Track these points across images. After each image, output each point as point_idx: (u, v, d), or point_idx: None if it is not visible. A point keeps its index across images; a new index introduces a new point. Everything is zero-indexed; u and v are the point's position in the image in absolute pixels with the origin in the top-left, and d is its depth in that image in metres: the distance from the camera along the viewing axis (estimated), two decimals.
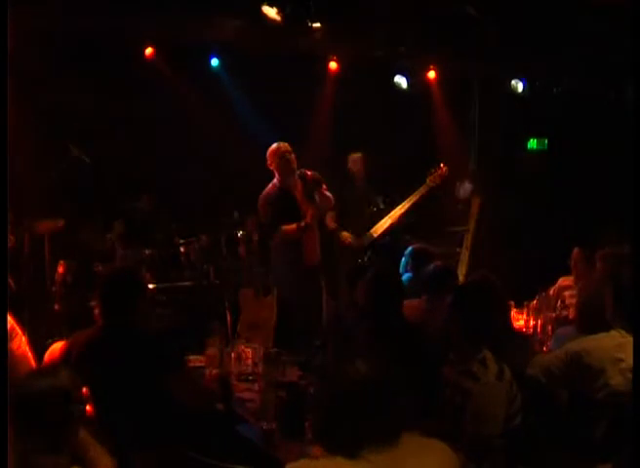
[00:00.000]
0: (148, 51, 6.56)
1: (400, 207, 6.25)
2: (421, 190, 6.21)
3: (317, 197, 5.37)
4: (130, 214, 6.74)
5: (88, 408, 2.59)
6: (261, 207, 5.49)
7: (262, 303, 5.79)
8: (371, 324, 3.63)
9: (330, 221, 6.27)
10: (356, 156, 6.56)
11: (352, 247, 6.25)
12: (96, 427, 2.59)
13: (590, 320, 3.44)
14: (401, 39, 6.78)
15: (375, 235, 6.27)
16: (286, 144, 5.43)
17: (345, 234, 6.28)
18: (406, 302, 4.47)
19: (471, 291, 3.49)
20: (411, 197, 6.22)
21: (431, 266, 4.34)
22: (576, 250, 5.15)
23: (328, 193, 5.49)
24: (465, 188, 7.47)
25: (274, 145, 5.44)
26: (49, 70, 6.24)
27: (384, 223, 6.27)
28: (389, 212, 6.29)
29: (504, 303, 3.84)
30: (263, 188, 5.60)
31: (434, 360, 3.26)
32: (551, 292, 5.22)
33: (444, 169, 6.26)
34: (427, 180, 6.21)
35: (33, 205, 5.71)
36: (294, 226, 5.34)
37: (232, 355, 3.98)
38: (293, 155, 5.38)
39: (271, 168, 5.44)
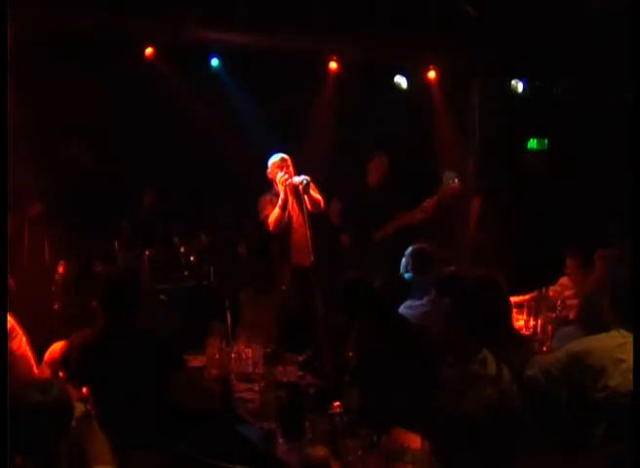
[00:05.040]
0: (148, 51, 6.56)
1: (404, 217, 6.21)
2: (429, 202, 6.15)
3: (308, 201, 5.43)
4: (132, 214, 6.76)
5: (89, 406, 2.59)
6: (262, 207, 5.64)
7: (262, 303, 5.79)
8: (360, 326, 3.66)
9: (334, 216, 6.36)
10: (382, 158, 6.45)
11: (351, 250, 6.30)
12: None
13: (591, 319, 3.44)
14: (401, 39, 6.77)
15: (377, 239, 6.30)
16: (287, 157, 5.57)
17: (344, 237, 6.34)
18: (407, 303, 4.49)
19: (473, 291, 3.48)
20: (417, 209, 6.16)
21: (443, 270, 4.36)
22: (569, 260, 5.14)
23: (317, 195, 5.53)
24: (447, 177, 7.42)
25: (274, 157, 5.58)
26: (49, 70, 6.24)
27: (385, 230, 6.27)
28: (394, 216, 6.29)
29: (507, 303, 3.83)
30: (263, 188, 5.67)
31: (433, 360, 3.26)
32: (551, 292, 5.22)
33: (457, 184, 6.17)
34: (438, 193, 6.16)
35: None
36: (276, 209, 5.49)
37: (232, 355, 3.98)
38: (290, 168, 5.53)
39: (270, 176, 5.61)
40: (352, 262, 6.18)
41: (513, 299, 4.90)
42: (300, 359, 3.93)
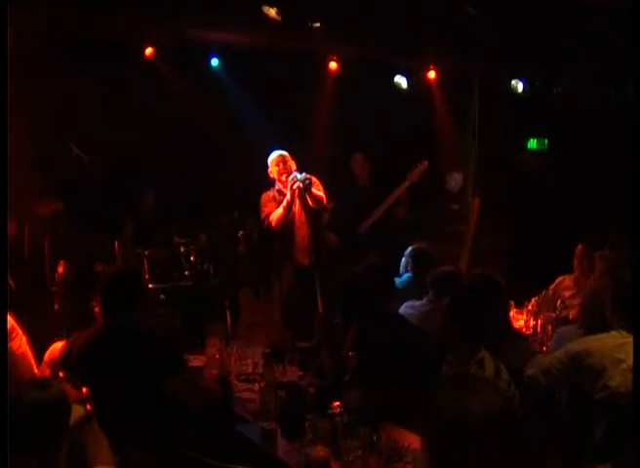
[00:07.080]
0: (148, 51, 6.56)
1: (382, 205, 6.34)
2: (402, 187, 6.28)
3: (310, 199, 5.45)
4: (134, 215, 6.76)
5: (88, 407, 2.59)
6: (263, 204, 5.63)
7: (262, 303, 5.80)
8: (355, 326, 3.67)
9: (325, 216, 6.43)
10: (357, 156, 6.62)
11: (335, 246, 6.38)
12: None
13: (593, 319, 3.44)
14: (401, 39, 6.77)
15: (359, 232, 6.37)
16: (285, 153, 5.57)
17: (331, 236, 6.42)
18: (407, 303, 4.49)
19: (471, 290, 3.48)
20: (391, 195, 6.29)
21: (440, 269, 4.35)
22: (580, 246, 5.15)
23: (319, 193, 5.54)
24: (455, 179, 7.46)
25: (274, 154, 5.55)
26: (49, 70, 6.24)
27: (368, 221, 6.36)
28: (375, 209, 6.39)
29: (504, 303, 3.83)
30: (263, 188, 5.67)
31: (433, 360, 3.26)
32: (550, 291, 5.22)
33: (424, 165, 6.32)
34: (407, 177, 6.28)
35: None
36: (279, 209, 5.48)
37: (232, 355, 3.98)
38: (290, 163, 5.54)
39: (271, 176, 5.60)
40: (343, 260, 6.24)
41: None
42: (305, 345, 3.93)
